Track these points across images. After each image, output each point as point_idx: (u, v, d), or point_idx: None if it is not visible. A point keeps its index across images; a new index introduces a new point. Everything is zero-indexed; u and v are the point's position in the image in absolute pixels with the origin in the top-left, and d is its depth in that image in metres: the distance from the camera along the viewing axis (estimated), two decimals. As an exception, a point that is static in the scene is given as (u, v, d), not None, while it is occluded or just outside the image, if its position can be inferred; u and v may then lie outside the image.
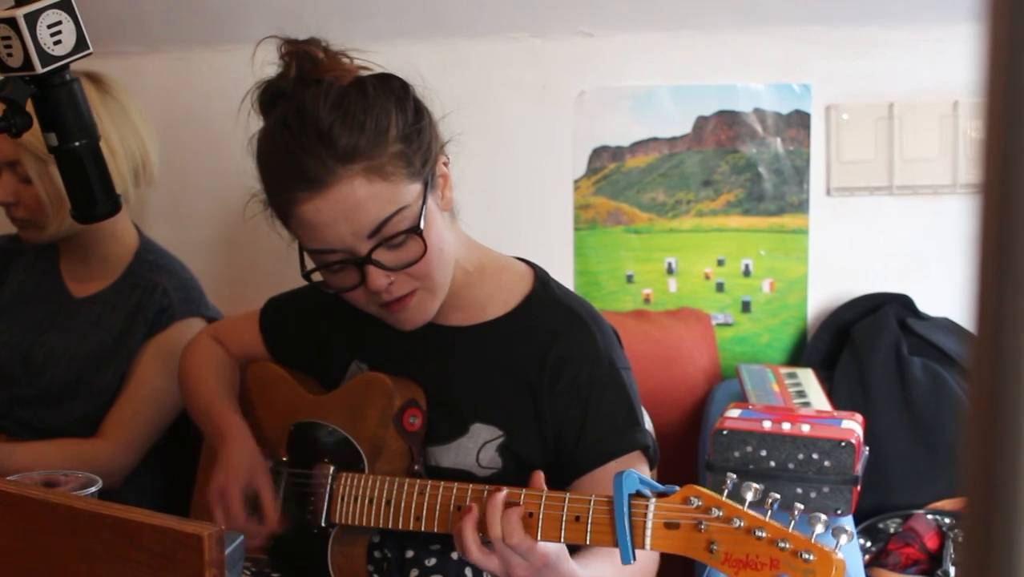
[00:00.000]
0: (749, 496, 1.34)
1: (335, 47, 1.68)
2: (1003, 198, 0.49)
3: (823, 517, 1.29)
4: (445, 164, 1.68)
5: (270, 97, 1.66)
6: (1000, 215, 0.49)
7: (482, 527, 1.49)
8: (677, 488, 1.39)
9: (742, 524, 1.32)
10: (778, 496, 1.34)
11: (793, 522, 1.32)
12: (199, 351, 1.98)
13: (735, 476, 1.37)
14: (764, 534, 1.31)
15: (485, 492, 1.53)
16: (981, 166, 0.49)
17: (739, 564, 1.32)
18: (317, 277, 1.68)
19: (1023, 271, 0.49)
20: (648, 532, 1.38)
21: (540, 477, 1.51)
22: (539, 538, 1.46)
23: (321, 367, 1.85)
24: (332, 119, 1.55)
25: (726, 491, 1.35)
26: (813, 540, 1.30)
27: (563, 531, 1.45)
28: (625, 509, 1.38)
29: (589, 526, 1.43)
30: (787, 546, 1.30)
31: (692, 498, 1.36)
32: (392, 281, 1.61)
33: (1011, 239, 0.49)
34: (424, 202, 1.60)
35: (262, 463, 1.77)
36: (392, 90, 1.62)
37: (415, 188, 1.60)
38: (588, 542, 1.45)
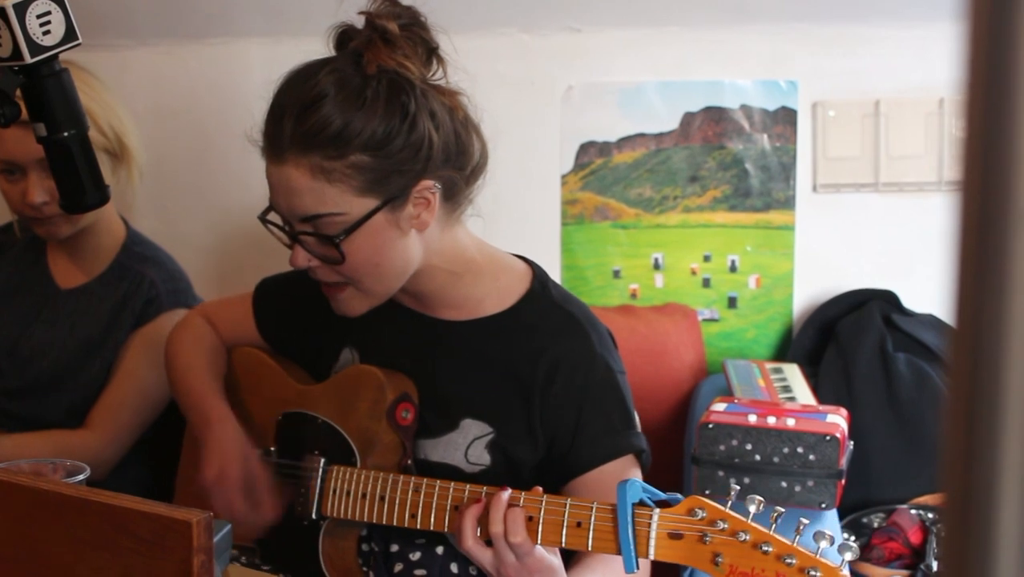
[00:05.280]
0: (752, 509, 1.34)
1: (433, 37, 1.64)
2: (983, 195, 0.50)
3: (828, 533, 1.30)
4: (432, 192, 1.60)
5: (340, 36, 1.64)
6: (980, 212, 0.50)
7: (483, 523, 1.49)
8: (680, 496, 1.39)
9: (748, 538, 1.33)
10: (782, 510, 1.35)
11: (797, 537, 1.32)
12: (189, 329, 1.96)
13: (738, 487, 1.38)
14: (771, 549, 1.32)
15: (484, 493, 1.53)
16: (961, 164, 0.50)
17: None
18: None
19: (1002, 268, 0.50)
20: (652, 542, 1.39)
21: (539, 489, 1.51)
22: (539, 541, 1.47)
23: (313, 350, 1.84)
24: (315, 102, 1.54)
25: (729, 502, 1.36)
26: (819, 556, 1.30)
27: (564, 535, 1.46)
28: (629, 519, 1.39)
29: (591, 533, 1.43)
30: (794, 562, 1.30)
31: (696, 509, 1.36)
32: (317, 266, 1.63)
33: (990, 236, 0.49)
34: (368, 218, 1.57)
35: (253, 451, 1.76)
36: (395, 101, 1.56)
37: (363, 202, 1.57)
38: (590, 548, 1.45)
